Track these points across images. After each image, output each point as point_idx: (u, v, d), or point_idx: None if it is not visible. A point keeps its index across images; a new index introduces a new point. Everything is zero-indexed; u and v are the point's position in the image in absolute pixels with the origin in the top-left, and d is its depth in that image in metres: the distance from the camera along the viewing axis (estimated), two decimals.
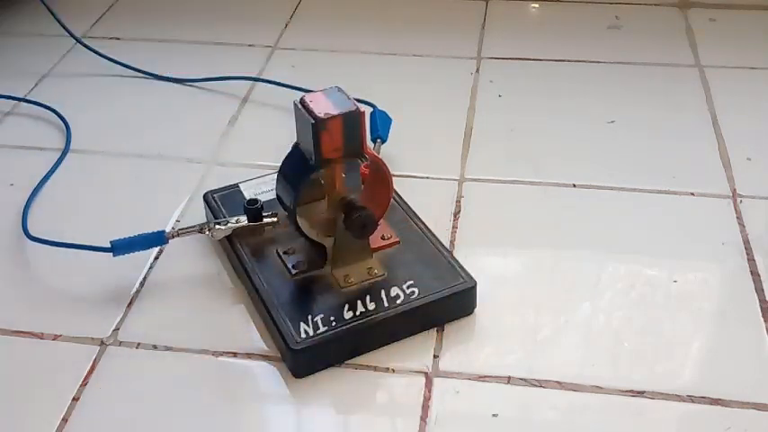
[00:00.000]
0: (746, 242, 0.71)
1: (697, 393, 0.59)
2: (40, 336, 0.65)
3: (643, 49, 1.01)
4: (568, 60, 0.99)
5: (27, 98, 0.94)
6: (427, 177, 0.80)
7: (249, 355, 0.63)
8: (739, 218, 0.74)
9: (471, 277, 0.65)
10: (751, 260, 0.70)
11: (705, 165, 0.81)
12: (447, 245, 0.71)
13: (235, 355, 0.63)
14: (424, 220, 0.71)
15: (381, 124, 0.82)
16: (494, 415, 0.58)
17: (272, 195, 0.68)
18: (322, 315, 0.62)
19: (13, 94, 0.94)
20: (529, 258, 0.72)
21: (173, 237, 0.68)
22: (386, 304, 0.63)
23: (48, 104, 0.92)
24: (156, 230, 0.68)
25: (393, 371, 0.61)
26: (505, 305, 0.66)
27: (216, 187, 0.75)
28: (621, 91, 0.93)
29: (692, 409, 0.58)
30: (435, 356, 0.62)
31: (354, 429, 0.58)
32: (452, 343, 0.63)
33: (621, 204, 0.76)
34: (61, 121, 0.90)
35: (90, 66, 1.00)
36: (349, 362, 0.62)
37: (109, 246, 0.66)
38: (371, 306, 0.62)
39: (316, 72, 0.98)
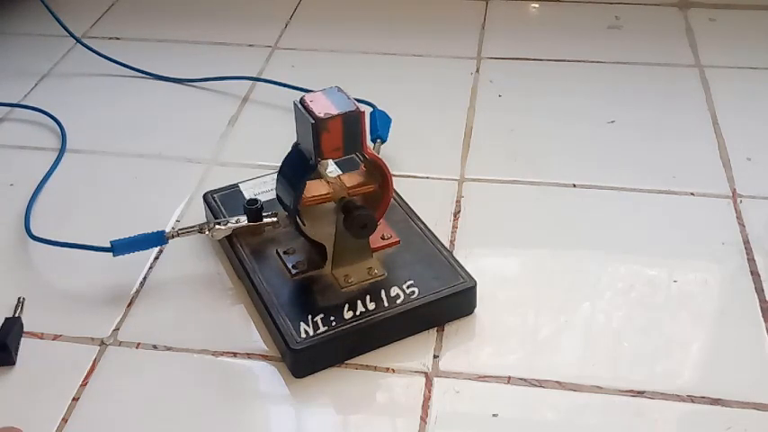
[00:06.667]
0: (746, 242, 0.71)
1: (697, 393, 0.59)
2: (40, 336, 0.65)
3: (643, 49, 1.01)
4: (568, 60, 0.99)
5: (25, 104, 0.93)
6: (427, 177, 0.80)
7: (249, 355, 0.63)
8: (739, 218, 0.74)
9: (471, 277, 0.65)
10: (751, 260, 0.70)
11: (705, 165, 0.81)
12: (447, 245, 0.70)
13: (235, 355, 0.63)
14: (424, 220, 0.71)
15: (381, 124, 0.82)
16: (494, 415, 0.58)
17: (272, 195, 0.68)
18: (322, 315, 0.62)
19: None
20: (529, 258, 0.71)
21: (173, 237, 0.67)
22: (386, 304, 0.63)
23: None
24: (156, 230, 0.68)
25: (393, 371, 0.61)
26: (505, 305, 0.66)
27: (216, 187, 0.75)
28: (621, 91, 0.93)
29: (692, 409, 0.58)
30: (435, 356, 0.62)
31: (354, 429, 0.58)
32: (452, 343, 0.63)
33: (621, 204, 0.76)
34: (60, 122, 0.90)
35: (90, 66, 1.00)
36: (349, 362, 0.62)
37: (109, 246, 0.67)
38: (371, 306, 0.62)
39: (316, 72, 0.98)
